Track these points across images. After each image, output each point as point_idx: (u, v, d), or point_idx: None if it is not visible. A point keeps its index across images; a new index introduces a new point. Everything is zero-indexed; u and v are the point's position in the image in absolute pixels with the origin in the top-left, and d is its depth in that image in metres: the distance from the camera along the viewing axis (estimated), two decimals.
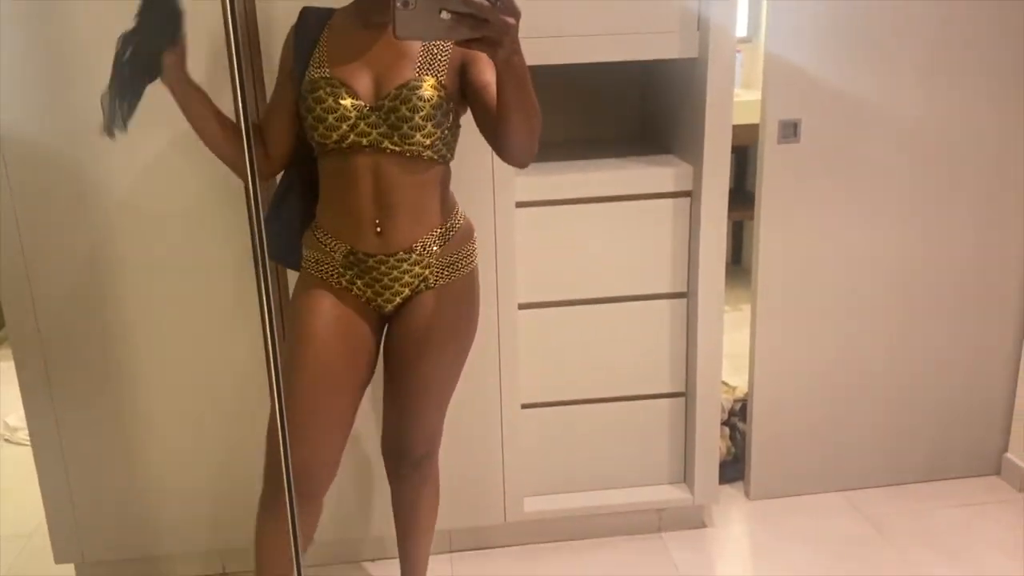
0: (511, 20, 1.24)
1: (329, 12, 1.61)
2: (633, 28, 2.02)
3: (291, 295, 1.72)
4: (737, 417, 2.62)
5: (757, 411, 2.44)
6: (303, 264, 1.69)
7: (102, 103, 1.50)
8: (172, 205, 1.94)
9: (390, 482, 1.87)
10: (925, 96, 2.26)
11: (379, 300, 1.63)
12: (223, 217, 1.96)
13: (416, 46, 1.55)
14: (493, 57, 1.30)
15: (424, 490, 1.86)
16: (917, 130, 2.28)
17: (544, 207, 2.12)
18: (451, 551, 2.28)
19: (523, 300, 2.15)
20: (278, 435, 1.27)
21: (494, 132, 1.51)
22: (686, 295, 2.24)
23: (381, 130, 1.52)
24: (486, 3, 1.21)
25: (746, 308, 2.38)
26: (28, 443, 2.13)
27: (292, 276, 1.92)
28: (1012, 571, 2.15)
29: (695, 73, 2.09)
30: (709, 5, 1.99)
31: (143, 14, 1.48)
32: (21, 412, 2.14)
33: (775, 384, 2.42)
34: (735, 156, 3.89)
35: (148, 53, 1.49)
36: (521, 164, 1.54)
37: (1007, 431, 2.53)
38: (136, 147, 1.89)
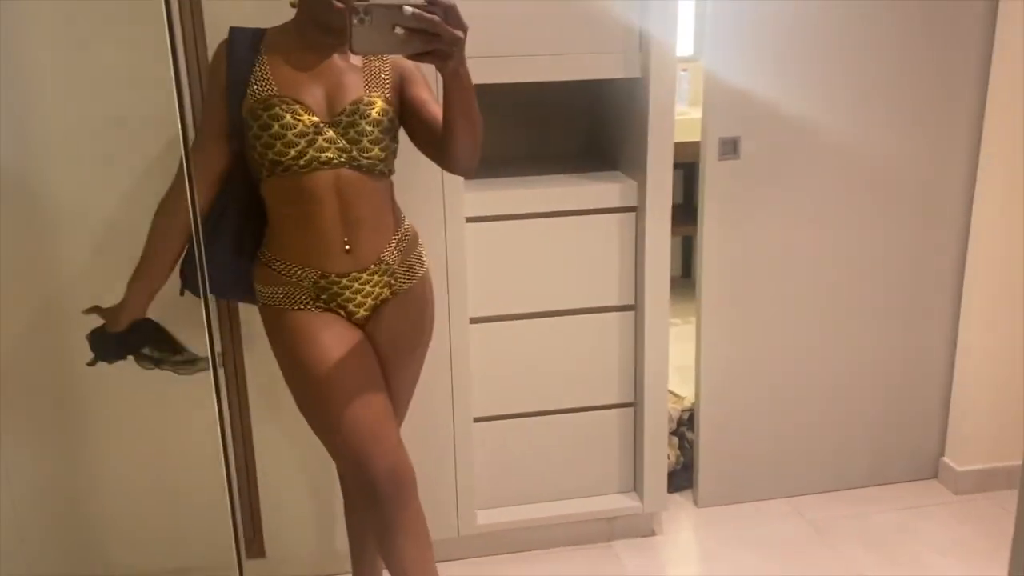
0: (459, 34, 1.32)
1: (260, 32, 1.61)
2: (577, 48, 2.08)
3: (269, 336, 1.69)
4: (685, 427, 2.68)
5: (704, 421, 2.50)
6: (266, 301, 1.66)
7: (181, 368, 1.74)
8: (131, 240, 1.91)
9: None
10: (860, 115, 2.35)
11: (350, 307, 1.64)
12: None
13: (359, 65, 1.59)
14: (442, 69, 1.37)
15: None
16: (852, 147, 2.37)
17: (493, 222, 2.16)
18: None
19: (474, 314, 2.18)
20: (348, 445, 1.49)
21: (436, 144, 1.58)
22: (634, 307, 2.29)
23: (340, 145, 1.55)
24: (436, 18, 1.29)
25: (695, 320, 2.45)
26: None
27: (246, 307, 1.94)
28: (949, 570, 2.23)
29: (638, 92, 2.15)
30: (651, 26, 2.06)
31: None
32: None
33: (721, 394, 2.49)
34: (684, 172, 3.98)
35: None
36: (466, 172, 1.60)
37: (943, 436, 2.63)
38: (100, 184, 1.89)
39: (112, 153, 1.88)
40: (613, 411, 2.35)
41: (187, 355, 1.79)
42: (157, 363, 1.76)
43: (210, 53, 1.81)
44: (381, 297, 1.67)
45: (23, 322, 1.96)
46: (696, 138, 2.34)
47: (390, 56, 1.63)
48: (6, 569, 2.10)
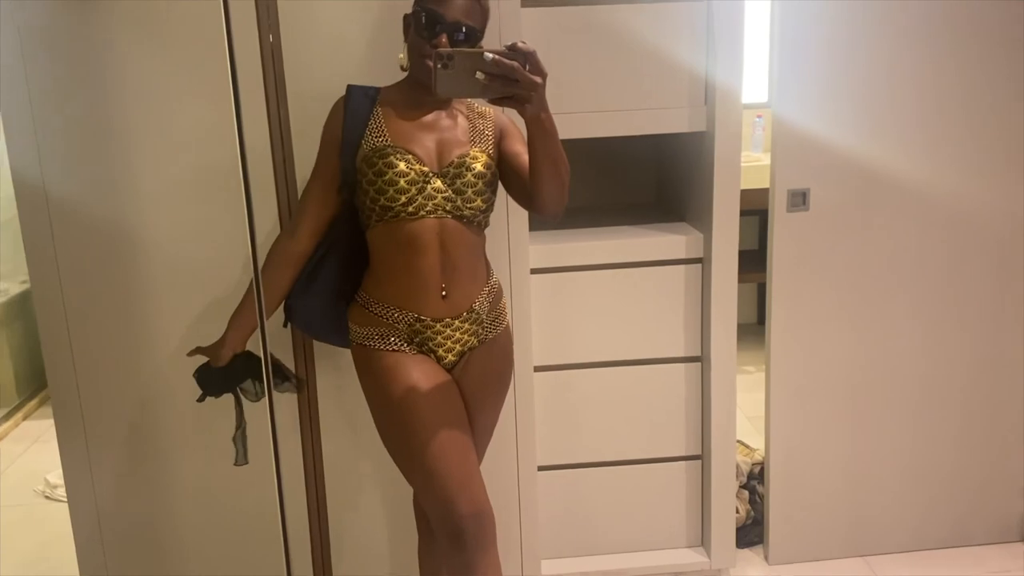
0: (538, 79, 1.40)
1: (376, 90, 1.73)
2: (644, 104, 2.12)
3: (361, 375, 1.75)
4: (756, 480, 2.63)
5: (774, 474, 2.45)
6: (360, 341, 1.74)
7: (234, 442, 1.89)
8: (217, 271, 2.02)
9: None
10: (933, 164, 2.30)
11: (440, 351, 1.72)
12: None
13: (464, 123, 1.71)
14: (523, 113, 1.44)
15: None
16: (926, 196, 2.31)
17: (559, 273, 2.19)
18: None
19: (538, 363, 2.21)
20: (437, 487, 1.57)
21: (526, 190, 1.66)
22: (700, 359, 2.28)
23: (446, 194, 1.65)
24: (515, 64, 1.37)
25: None
26: (66, 500, 2.22)
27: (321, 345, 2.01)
28: None
29: (704, 144, 2.17)
30: (718, 77, 2.08)
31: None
32: (61, 469, 2.23)
33: (792, 446, 2.44)
34: (758, 219, 3.95)
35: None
36: (554, 214, 1.66)
37: None
38: (184, 212, 1.99)
39: (205, 201, 1.99)
40: (680, 463, 2.33)
41: (292, 384, 1.93)
42: (259, 396, 1.89)
43: (292, 110, 1.93)
44: (468, 345, 1.74)
45: (121, 357, 2.07)
46: (768, 185, 2.32)
47: (492, 114, 1.75)
48: None
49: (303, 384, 2.04)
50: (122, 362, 2.08)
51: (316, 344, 2.04)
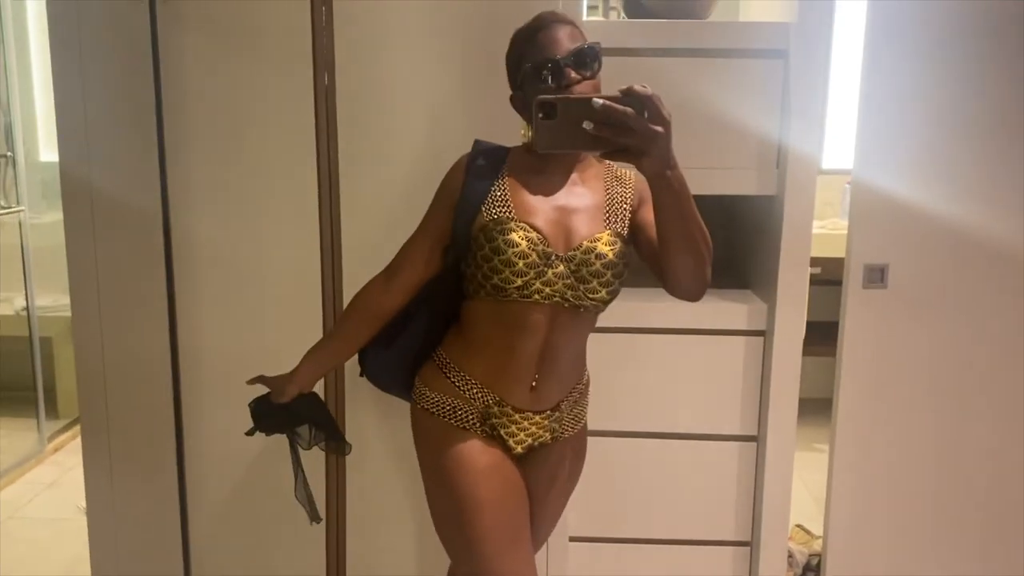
0: (659, 129, 1.20)
1: (504, 151, 1.54)
2: (711, 163, 2.00)
3: (421, 442, 1.60)
4: (813, 572, 2.43)
5: (831, 566, 2.25)
6: (427, 407, 1.56)
7: (298, 499, 1.73)
8: (257, 297, 1.98)
9: None
10: (1019, 232, 2.10)
11: (510, 441, 1.55)
12: (308, 313, 1.97)
13: (600, 196, 1.51)
14: (641, 169, 1.26)
15: None
16: (1013, 272, 2.11)
17: (611, 334, 2.08)
18: None
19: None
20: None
21: (659, 264, 1.46)
22: (756, 438, 2.12)
23: (567, 281, 1.45)
24: (630, 111, 1.18)
25: None
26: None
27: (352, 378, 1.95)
28: None
29: (774, 209, 2.03)
30: (792, 141, 1.95)
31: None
32: None
33: (852, 538, 2.24)
34: (835, 289, 3.74)
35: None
36: (692, 297, 1.45)
37: None
38: (234, 225, 1.96)
39: (257, 215, 1.97)
40: (727, 548, 2.16)
41: (344, 446, 1.77)
42: (311, 444, 1.72)
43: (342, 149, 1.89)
44: (540, 440, 1.57)
45: (154, 373, 2.05)
46: None
47: (634, 178, 1.53)
48: None
49: (350, 449, 1.85)
50: (154, 391, 2.05)
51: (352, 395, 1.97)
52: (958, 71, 2.03)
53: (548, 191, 1.48)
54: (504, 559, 1.48)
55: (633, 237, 1.52)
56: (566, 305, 1.46)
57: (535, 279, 1.44)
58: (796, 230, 1.98)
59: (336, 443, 1.75)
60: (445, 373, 1.55)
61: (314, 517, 1.76)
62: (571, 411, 1.59)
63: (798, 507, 2.10)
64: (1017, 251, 2.10)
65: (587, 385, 1.64)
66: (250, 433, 1.69)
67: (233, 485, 2.09)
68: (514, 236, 1.42)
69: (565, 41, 1.41)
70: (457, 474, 1.51)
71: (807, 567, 2.44)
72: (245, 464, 2.08)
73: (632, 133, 1.18)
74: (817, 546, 2.49)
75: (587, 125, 1.18)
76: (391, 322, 1.60)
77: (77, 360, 2.04)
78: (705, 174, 2.00)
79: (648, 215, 1.48)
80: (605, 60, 1.45)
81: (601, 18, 2.60)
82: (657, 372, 2.10)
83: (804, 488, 2.11)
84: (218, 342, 2.02)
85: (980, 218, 2.10)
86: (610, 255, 1.45)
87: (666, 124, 1.21)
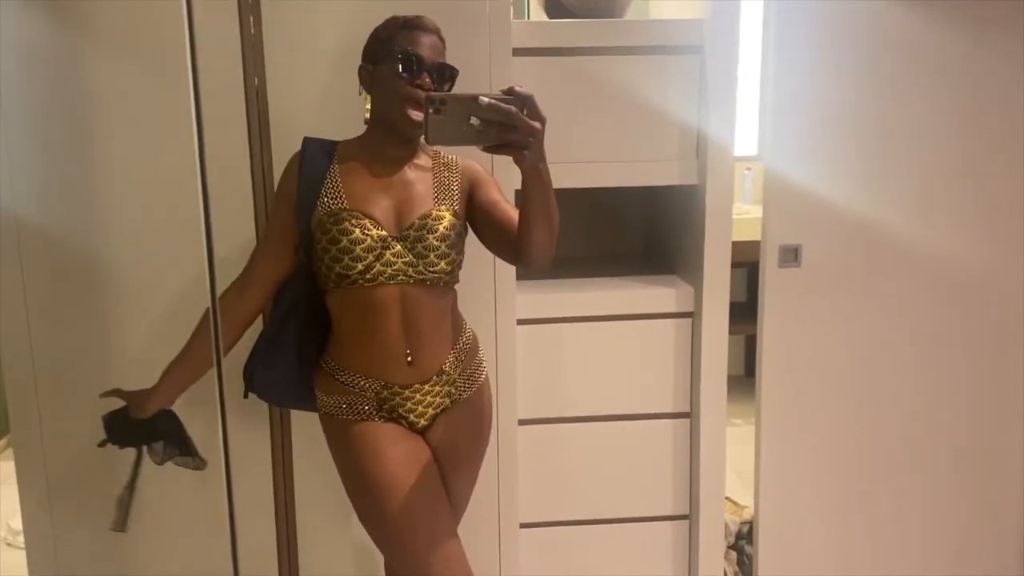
0: (536, 125, 1.31)
1: (333, 144, 1.64)
2: (634, 156, 2.09)
3: (331, 445, 1.67)
4: (745, 540, 2.56)
5: (763, 534, 2.38)
6: (328, 410, 1.65)
7: (117, 504, 1.73)
8: (185, 302, 1.95)
9: None
10: (928, 219, 2.27)
11: (411, 417, 1.64)
12: None
13: (429, 178, 1.61)
14: (520, 162, 1.35)
15: None
16: (920, 252, 2.28)
17: (545, 324, 2.14)
18: None
19: (523, 416, 2.15)
20: (414, 559, 1.50)
21: (507, 242, 1.56)
22: (689, 415, 2.22)
23: (406, 259, 1.55)
24: (513, 109, 1.28)
25: None
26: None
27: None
28: None
29: (695, 196, 2.14)
30: (710, 130, 2.06)
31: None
32: None
33: (782, 506, 2.37)
34: (748, 271, 3.92)
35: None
36: (541, 266, 1.57)
37: (1022, 559, 2.45)
38: (157, 253, 1.93)
39: (177, 235, 1.93)
40: (667, 523, 2.27)
41: (197, 461, 1.78)
42: (163, 459, 1.76)
43: (275, 152, 1.88)
44: (441, 407, 1.66)
45: (74, 406, 2.00)
46: (760, 238, 2.29)
47: (461, 164, 1.65)
48: None
49: (205, 465, 1.86)
50: (86, 403, 1.99)
51: None
52: (858, 60, 2.17)
53: (380, 177, 1.59)
54: (421, 529, 1.56)
55: (473, 221, 1.64)
56: (411, 282, 1.55)
57: (375, 262, 1.54)
58: (717, 216, 2.09)
59: (190, 459, 1.77)
60: (333, 376, 1.64)
61: (121, 526, 1.77)
62: (462, 371, 1.67)
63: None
64: (915, 235, 2.27)
65: (473, 343, 1.72)
66: (102, 445, 1.71)
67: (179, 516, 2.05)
68: (347, 224, 1.53)
69: (434, 52, 1.55)
70: (363, 460, 1.60)
71: (739, 535, 2.57)
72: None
73: (514, 130, 1.30)
74: (747, 515, 2.62)
75: (474, 121, 1.28)
76: (268, 336, 1.68)
77: (4, 369, 1.97)
78: (630, 167, 2.09)
79: (485, 198, 1.62)
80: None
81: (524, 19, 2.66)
82: (592, 358, 2.18)
83: (726, 462, 2.23)
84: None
85: (882, 202, 2.26)
86: (442, 229, 1.56)
87: (543, 122, 1.33)
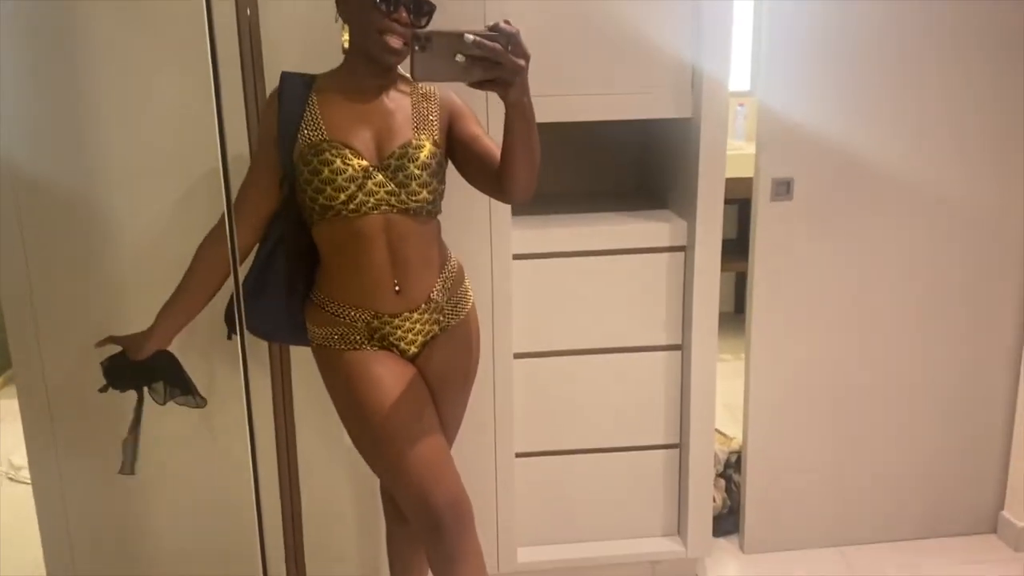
0: (521, 62, 1.33)
1: (312, 77, 1.63)
2: (628, 88, 2.08)
3: (325, 375, 1.70)
4: (732, 469, 2.63)
5: (751, 463, 2.45)
6: (320, 342, 1.68)
7: (123, 447, 1.76)
8: (186, 252, 1.97)
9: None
10: (919, 155, 2.29)
11: (401, 345, 1.67)
12: None
13: (407, 108, 1.62)
14: (504, 97, 1.37)
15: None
16: (911, 187, 2.31)
17: (540, 259, 2.16)
18: None
19: (518, 350, 2.18)
20: (412, 483, 1.53)
21: (489, 176, 1.58)
22: (680, 347, 2.26)
23: (388, 188, 1.57)
24: (497, 46, 1.29)
25: None
26: (30, 482, 2.17)
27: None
28: None
29: (690, 130, 2.14)
30: (704, 63, 2.05)
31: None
32: (25, 450, 2.17)
33: (769, 436, 2.44)
34: (739, 208, 3.94)
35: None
36: (523, 200, 1.60)
37: (1003, 489, 2.53)
38: (154, 192, 1.94)
39: (176, 180, 1.94)
40: (658, 452, 2.32)
41: (197, 399, 1.82)
42: (166, 399, 1.80)
43: (268, 90, 1.87)
44: (431, 334, 1.69)
45: (75, 342, 2.02)
46: (751, 174, 2.31)
47: (439, 95, 1.65)
48: None
49: (205, 403, 1.91)
50: (89, 343, 2.02)
51: None
52: None
53: (359, 108, 1.59)
54: (419, 453, 1.60)
55: (453, 154, 1.66)
56: (394, 211, 1.57)
57: (357, 192, 1.55)
58: (712, 150, 2.10)
59: (191, 398, 1.81)
60: (323, 307, 1.66)
61: (128, 469, 1.81)
62: (449, 299, 1.70)
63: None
64: (907, 168, 2.29)
65: (459, 272, 1.74)
66: (103, 390, 1.74)
67: (184, 453, 2.09)
68: (328, 155, 1.54)
69: None
70: (358, 387, 1.63)
71: (727, 464, 2.63)
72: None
73: (499, 66, 1.31)
74: (735, 445, 2.69)
75: (459, 58, 1.29)
76: (255, 272, 1.70)
77: (8, 327, 1.98)
78: (625, 99, 2.09)
79: (466, 131, 1.63)
80: None
81: None
82: (586, 292, 2.20)
83: (716, 394, 2.28)
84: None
85: (874, 136, 2.27)
86: (422, 157, 1.57)
87: (527, 58, 1.34)
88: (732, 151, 3.63)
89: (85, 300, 2.00)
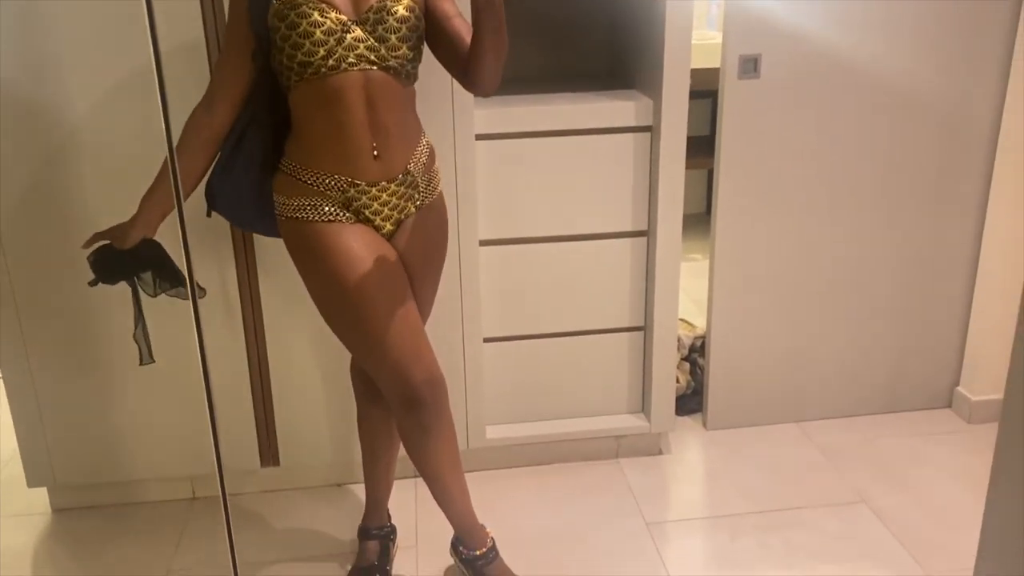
0: None
1: None
2: None
3: (295, 250, 1.66)
4: (697, 353, 2.68)
5: (715, 344, 2.50)
6: (291, 214, 1.62)
7: (136, 341, 1.76)
8: (146, 150, 1.89)
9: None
10: (884, 39, 2.27)
11: (377, 220, 1.65)
12: None
13: None
14: None
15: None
16: (875, 71, 2.29)
17: (504, 140, 2.14)
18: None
19: (484, 237, 2.18)
20: (389, 359, 1.56)
21: (458, 59, 1.58)
22: (646, 233, 2.27)
23: (368, 43, 1.53)
24: None
25: None
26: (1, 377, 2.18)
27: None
28: (957, 498, 2.24)
29: (656, 9, 2.10)
30: None
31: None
32: None
33: (732, 319, 2.48)
34: (711, 103, 3.89)
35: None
36: (487, 93, 1.60)
37: (959, 366, 2.61)
38: (115, 104, 1.90)
39: (130, 78, 1.89)
40: (623, 334, 2.36)
41: (182, 290, 1.78)
42: (156, 291, 1.76)
43: None
44: (405, 212, 1.67)
45: (41, 243, 2.00)
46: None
47: None
48: (33, 476, 2.18)
49: (204, 293, 1.91)
50: (55, 245, 1.99)
51: None
52: None
53: None
54: (398, 330, 1.62)
55: (430, 30, 1.62)
56: (376, 68, 1.54)
57: (336, 46, 1.51)
58: (678, 28, 2.06)
59: (182, 289, 1.77)
60: (296, 177, 1.62)
61: (147, 358, 1.81)
62: (423, 175, 1.68)
63: (679, 307, 2.31)
64: (875, 53, 2.26)
65: (431, 150, 1.73)
66: (92, 284, 1.72)
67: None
68: (305, 8, 1.50)
69: None
70: (334, 261, 1.60)
71: (692, 348, 2.69)
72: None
73: None
74: (700, 332, 2.74)
75: None
76: (228, 148, 1.66)
77: None
78: None
79: (441, 7, 1.61)
80: None
81: None
82: (551, 175, 2.19)
83: (683, 292, 2.30)
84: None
85: (842, 17, 2.23)
86: (401, 10, 1.54)
87: None
88: (705, 40, 3.59)
89: (48, 205, 1.97)
